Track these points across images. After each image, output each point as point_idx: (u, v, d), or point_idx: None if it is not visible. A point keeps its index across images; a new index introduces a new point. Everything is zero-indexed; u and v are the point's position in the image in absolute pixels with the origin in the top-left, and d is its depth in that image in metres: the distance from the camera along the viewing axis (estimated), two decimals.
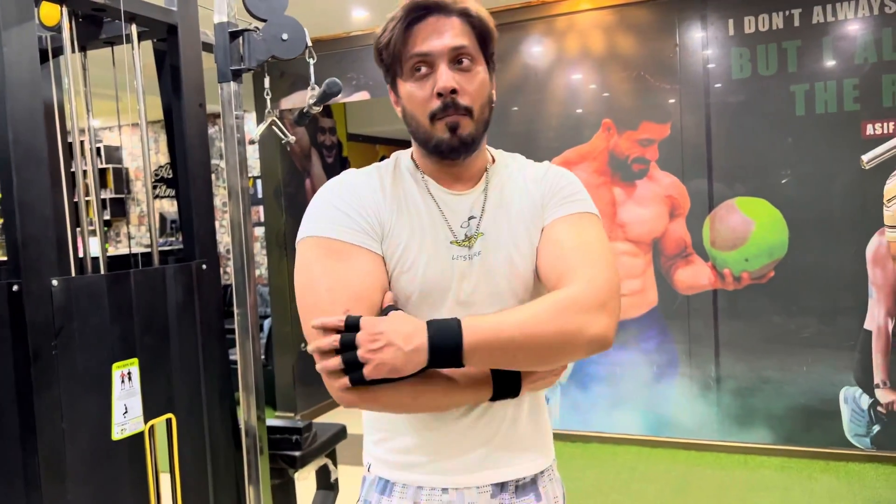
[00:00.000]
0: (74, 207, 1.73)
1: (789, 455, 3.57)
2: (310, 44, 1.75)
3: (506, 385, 1.02)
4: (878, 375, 3.43)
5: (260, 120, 4.82)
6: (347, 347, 0.92)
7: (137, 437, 1.64)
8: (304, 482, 2.13)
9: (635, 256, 3.81)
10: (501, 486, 1.10)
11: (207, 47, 1.91)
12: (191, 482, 1.78)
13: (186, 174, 1.85)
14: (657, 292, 3.79)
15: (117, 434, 1.60)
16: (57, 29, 1.64)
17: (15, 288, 1.43)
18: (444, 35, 1.02)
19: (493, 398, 1.03)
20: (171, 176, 6.87)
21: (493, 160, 1.16)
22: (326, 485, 2.23)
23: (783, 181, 3.52)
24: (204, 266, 1.84)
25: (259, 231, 6.10)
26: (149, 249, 1.85)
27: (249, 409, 1.86)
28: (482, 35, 1.05)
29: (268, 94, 1.84)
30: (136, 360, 1.64)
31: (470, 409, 1.08)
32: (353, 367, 0.92)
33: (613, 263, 1.04)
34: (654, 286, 3.80)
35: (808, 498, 3.14)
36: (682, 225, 3.71)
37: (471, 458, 1.09)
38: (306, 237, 1.04)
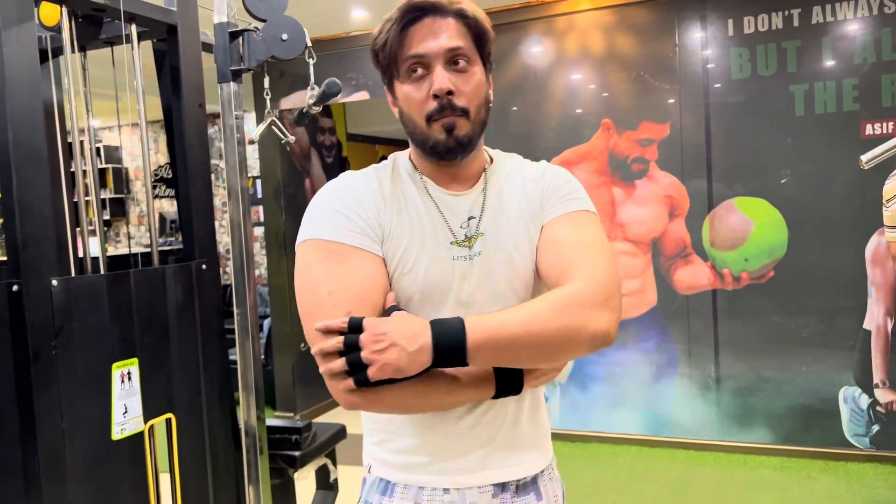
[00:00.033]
0: (74, 207, 1.73)
1: (788, 455, 3.57)
2: (309, 44, 1.75)
3: (508, 382, 1.03)
4: (878, 375, 3.43)
5: (259, 120, 4.82)
6: (351, 349, 0.92)
7: (137, 437, 1.64)
8: (304, 482, 2.13)
9: (635, 256, 3.81)
10: (502, 486, 1.10)
11: (207, 47, 1.91)
12: (190, 482, 1.78)
13: (186, 174, 1.85)
14: (656, 292, 3.80)
15: (117, 434, 1.60)
16: (57, 29, 1.64)
17: (15, 288, 1.43)
18: (440, 36, 1.02)
19: (496, 396, 1.03)
20: (170, 176, 6.87)
21: (491, 160, 1.16)
22: (326, 485, 2.23)
23: (782, 181, 3.52)
24: (204, 266, 1.84)
25: (259, 231, 6.10)
26: (148, 249, 1.85)
27: (249, 409, 1.86)
28: (478, 35, 1.06)
29: (267, 95, 1.84)
30: (135, 360, 1.65)
31: (471, 409, 1.08)
32: (357, 369, 0.92)
33: (613, 260, 1.05)
34: (654, 286, 3.80)
35: (807, 498, 3.15)
36: (681, 225, 3.72)
37: (472, 459, 1.09)
38: (306, 240, 1.04)
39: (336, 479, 2.24)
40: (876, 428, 3.45)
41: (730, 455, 3.64)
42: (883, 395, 3.43)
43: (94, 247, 1.73)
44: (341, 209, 1.05)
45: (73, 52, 1.69)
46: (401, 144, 1.14)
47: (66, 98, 1.74)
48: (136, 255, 2.35)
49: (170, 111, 1.89)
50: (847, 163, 3.39)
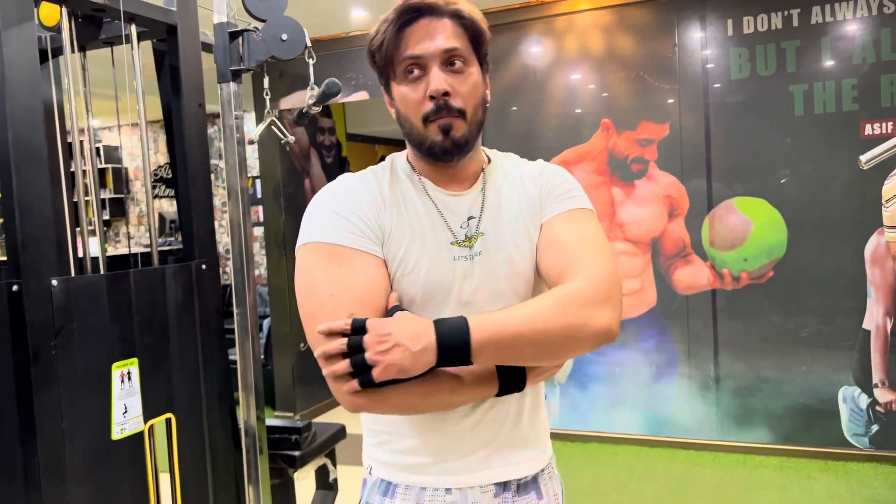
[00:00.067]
0: (74, 207, 1.73)
1: (788, 455, 3.57)
2: (309, 44, 1.75)
3: (511, 380, 1.03)
4: (877, 375, 3.44)
5: (259, 120, 4.82)
6: (355, 350, 0.92)
7: (137, 437, 1.64)
8: (304, 482, 2.13)
9: (634, 256, 3.81)
10: (504, 486, 1.11)
11: (207, 47, 1.91)
12: (190, 482, 1.78)
13: (186, 174, 1.85)
14: (656, 292, 3.80)
15: (117, 434, 1.60)
16: (57, 29, 1.64)
17: (15, 288, 1.44)
18: (436, 37, 1.02)
19: (500, 393, 1.03)
20: (170, 176, 6.87)
21: (489, 160, 1.16)
22: (325, 484, 2.24)
23: (782, 181, 3.52)
24: (203, 266, 1.85)
25: (258, 231, 6.10)
26: (148, 249, 1.85)
27: (249, 409, 1.86)
28: (474, 36, 1.06)
29: (267, 95, 1.84)
30: (135, 360, 1.65)
31: (473, 409, 1.08)
32: (361, 370, 0.92)
33: (613, 257, 1.05)
34: (653, 286, 3.80)
35: (806, 497, 3.15)
36: (680, 225, 3.72)
37: (474, 458, 1.09)
38: (306, 243, 1.04)
39: (336, 479, 2.24)
40: (875, 428, 3.45)
41: (729, 455, 3.65)
42: (882, 395, 3.43)
43: (93, 247, 1.73)
44: (340, 211, 1.04)
45: (72, 52, 1.69)
46: (401, 144, 1.14)
47: (65, 98, 1.74)
48: (135, 255, 2.35)
49: (169, 111, 1.89)
50: (846, 163, 3.40)
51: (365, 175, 1.12)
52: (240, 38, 1.79)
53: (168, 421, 1.73)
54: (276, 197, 4.69)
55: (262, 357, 4.58)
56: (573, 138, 3.89)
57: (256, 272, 6.10)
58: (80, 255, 1.72)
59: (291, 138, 1.91)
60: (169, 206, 7.11)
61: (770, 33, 3.48)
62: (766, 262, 3.57)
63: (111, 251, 6.73)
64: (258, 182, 5.49)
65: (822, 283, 3.49)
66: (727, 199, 3.62)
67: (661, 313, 3.80)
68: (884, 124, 3.32)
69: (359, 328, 0.93)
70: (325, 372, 0.95)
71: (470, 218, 1.09)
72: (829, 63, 3.40)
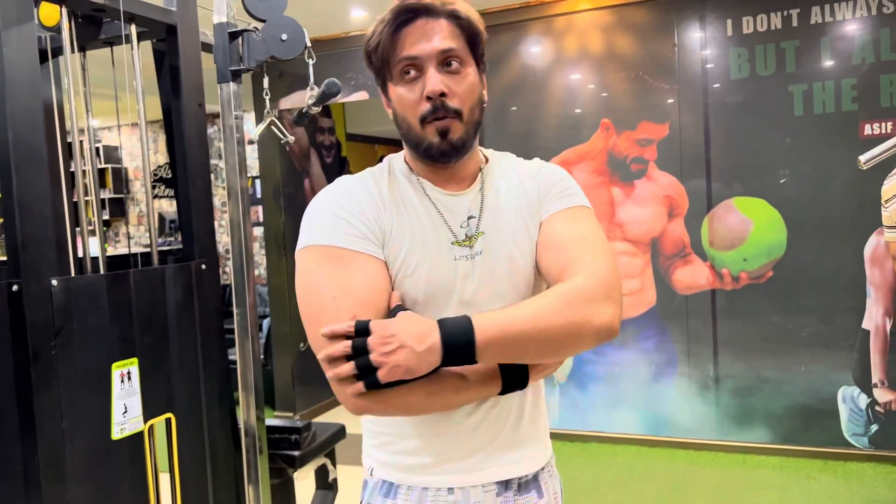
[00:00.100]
0: (74, 207, 1.73)
1: (787, 454, 3.58)
2: (309, 44, 1.75)
3: (514, 377, 1.03)
4: (876, 375, 3.44)
5: (259, 120, 4.82)
6: (359, 353, 0.92)
7: (137, 437, 1.64)
8: (304, 482, 2.13)
9: (634, 256, 3.82)
10: (505, 484, 1.11)
11: (207, 47, 1.91)
12: (190, 482, 1.78)
13: (185, 174, 1.85)
14: (656, 292, 3.80)
15: (117, 434, 1.60)
16: (56, 29, 1.64)
17: (15, 288, 1.44)
18: (433, 38, 1.02)
19: (503, 391, 1.04)
20: (170, 176, 6.87)
21: (486, 160, 1.16)
22: (325, 484, 2.24)
23: (781, 181, 3.52)
24: (203, 266, 1.85)
25: (258, 231, 6.10)
26: (148, 249, 1.85)
27: (249, 409, 1.86)
28: (471, 36, 1.06)
29: (267, 95, 1.84)
30: (135, 360, 1.65)
31: (475, 409, 1.08)
32: (366, 372, 0.92)
33: (612, 254, 1.06)
34: (653, 286, 3.80)
35: (806, 497, 3.15)
36: (680, 225, 3.72)
37: (476, 458, 1.09)
38: (306, 246, 1.04)
39: (335, 479, 2.24)
40: (875, 427, 3.46)
41: (729, 455, 3.65)
42: (882, 395, 3.43)
43: (93, 247, 1.73)
44: (340, 213, 1.04)
45: (72, 52, 1.69)
46: (401, 144, 1.14)
47: (65, 98, 1.74)
48: (135, 255, 2.35)
49: (169, 111, 1.89)
50: (846, 163, 3.40)
51: (363, 177, 1.12)
52: (240, 38, 1.79)
53: (168, 421, 1.73)
54: (276, 197, 4.69)
55: (262, 357, 4.59)
56: (573, 138, 3.89)
57: (256, 272, 6.10)
58: (80, 255, 1.72)
59: (291, 138, 1.91)
60: (169, 206, 7.11)
61: (769, 33, 3.48)
62: (765, 262, 3.57)
63: (111, 251, 6.73)
64: (258, 182, 5.49)
65: (822, 283, 3.49)
66: (727, 199, 3.62)
67: (661, 313, 3.80)
68: (883, 124, 3.32)
69: (362, 330, 0.93)
70: (329, 375, 0.95)
71: (470, 217, 1.09)
72: (828, 63, 3.41)
